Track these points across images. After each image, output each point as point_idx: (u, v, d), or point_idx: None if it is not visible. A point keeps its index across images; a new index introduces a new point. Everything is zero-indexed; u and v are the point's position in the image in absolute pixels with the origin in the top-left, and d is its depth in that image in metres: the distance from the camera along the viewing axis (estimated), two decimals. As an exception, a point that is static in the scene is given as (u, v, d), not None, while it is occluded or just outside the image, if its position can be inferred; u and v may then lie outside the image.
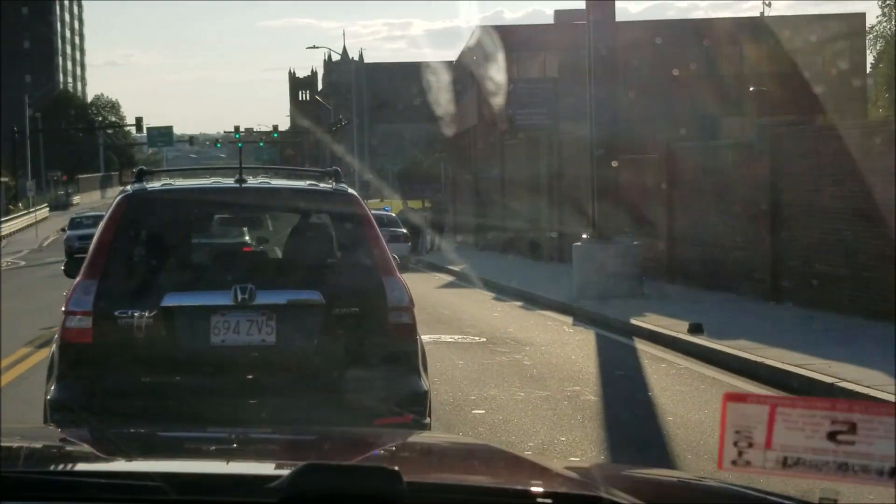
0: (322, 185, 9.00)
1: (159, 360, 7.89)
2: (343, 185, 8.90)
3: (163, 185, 8.92)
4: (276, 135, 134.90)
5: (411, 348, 8.24)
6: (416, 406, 7.99)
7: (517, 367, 14.88)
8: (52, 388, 7.89)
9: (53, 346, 8.16)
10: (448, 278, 33.53)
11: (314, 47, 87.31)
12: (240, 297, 7.86)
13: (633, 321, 19.19)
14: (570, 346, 16.96)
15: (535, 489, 2.75)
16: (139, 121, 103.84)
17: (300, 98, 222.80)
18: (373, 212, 37.56)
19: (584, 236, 23.94)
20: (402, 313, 8.16)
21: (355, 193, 8.85)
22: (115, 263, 8.08)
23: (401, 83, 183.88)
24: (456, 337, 17.99)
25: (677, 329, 17.60)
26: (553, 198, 35.71)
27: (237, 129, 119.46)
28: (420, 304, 24.14)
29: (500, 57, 72.85)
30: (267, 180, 9.59)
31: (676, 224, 25.88)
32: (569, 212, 34.46)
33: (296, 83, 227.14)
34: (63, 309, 7.95)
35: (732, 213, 22.98)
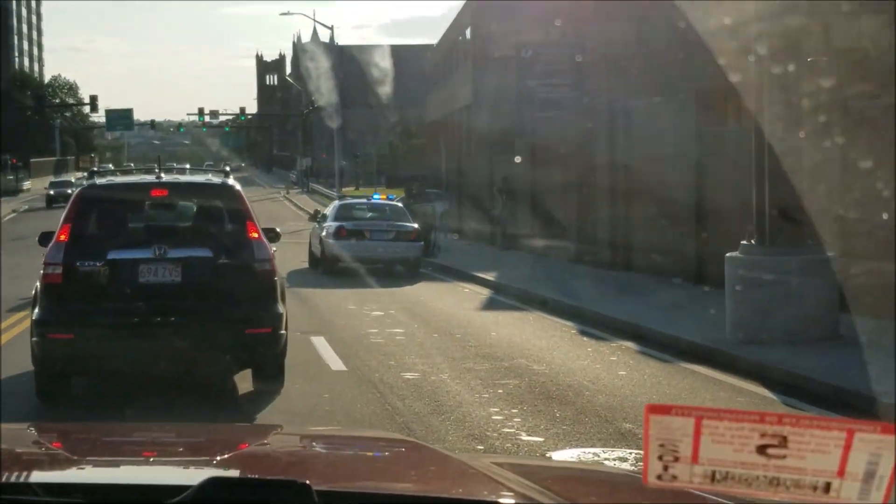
0: (215, 179, 13.24)
1: (107, 293, 11.59)
2: (228, 180, 12.76)
3: (107, 180, 13.20)
4: (242, 118, 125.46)
5: (271, 286, 11.92)
6: (275, 321, 11.84)
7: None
8: (36, 311, 11.66)
9: (37, 287, 11.87)
10: (482, 292, 24.73)
11: (288, 13, 78.58)
12: (157, 253, 11.70)
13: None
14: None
15: (455, 496, 2.62)
16: (94, 100, 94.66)
17: (268, 82, 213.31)
18: (376, 202, 24.80)
19: (745, 243, 15.26)
20: (264, 263, 11.88)
21: (235, 184, 12.65)
22: (77, 232, 11.80)
23: (373, 67, 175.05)
24: (627, 455, 9.23)
25: None
26: (617, 186, 27.02)
27: (201, 111, 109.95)
28: (477, 344, 16.18)
29: (502, 25, 64.30)
30: (178, 176, 13.71)
31: (860, 222, 17.29)
32: (643, 204, 25.77)
33: (263, 67, 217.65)
34: (42, 262, 11.72)
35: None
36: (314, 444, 3.94)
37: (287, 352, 12.83)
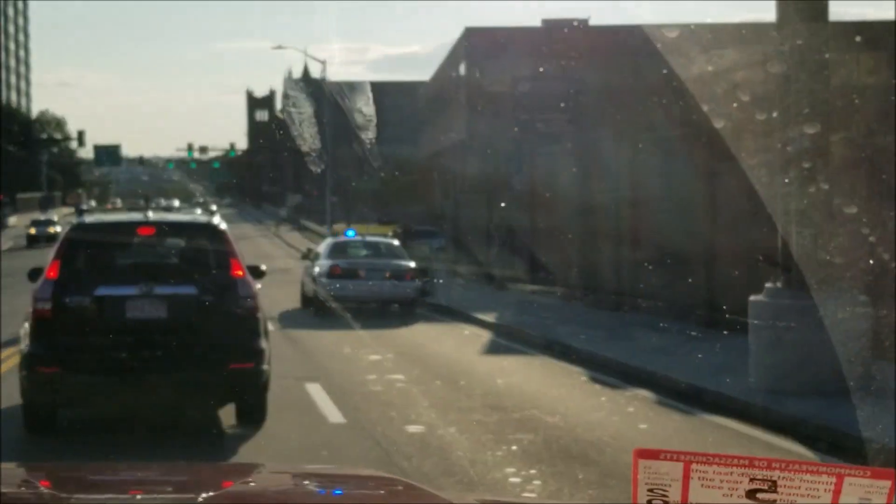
0: (201, 218, 14.38)
1: (94, 328, 11.89)
2: (214, 219, 13.41)
3: (96, 218, 14.09)
4: (232, 153, 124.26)
5: (254, 321, 12.24)
6: (257, 357, 12.11)
7: None
8: (26, 345, 12.03)
9: (26, 322, 12.21)
10: (483, 334, 23.73)
11: (280, 47, 77.99)
12: (144, 289, 12.00)
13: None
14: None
15: None
16: (81, 135, 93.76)
17: (258, 118, 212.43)
18: (369, 238, 23.54)
19: (769, 285, 14.31)
20: (248, 300, 12.21)
21: (221, 223, 13.08)
22: (66, 268, 12.20)
23: (364, 104, 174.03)
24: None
25: None
26: (623, 223, 26.09)
27: (190, 147, 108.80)
28: (483, 393, 15.35)
29: (497, 61, 63.49)
30: (165, 215, 14.97)
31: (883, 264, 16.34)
32: (643, 245, 24.84)
33: (253, 103, 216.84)
34: (32, 297, 12.05)
35: None
36: (300, 483, 3.87)
37: (277, 394, 13.21)
